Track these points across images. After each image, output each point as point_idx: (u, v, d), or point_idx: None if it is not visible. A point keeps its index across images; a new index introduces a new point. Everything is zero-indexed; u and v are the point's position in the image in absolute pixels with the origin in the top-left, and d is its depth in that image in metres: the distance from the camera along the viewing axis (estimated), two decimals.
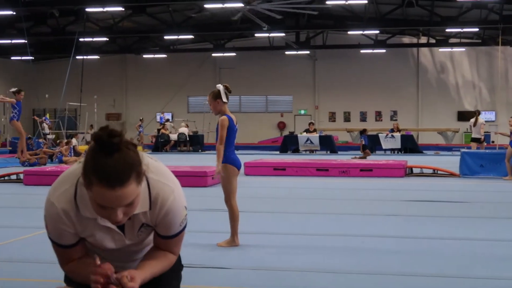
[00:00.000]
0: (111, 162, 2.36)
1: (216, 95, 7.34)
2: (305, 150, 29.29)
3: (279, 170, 17.58)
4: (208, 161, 22.83)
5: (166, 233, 2.79)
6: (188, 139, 32.44)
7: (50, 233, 2.70)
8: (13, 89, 16.81)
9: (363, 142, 24.56)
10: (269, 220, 9.67)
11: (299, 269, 6.23)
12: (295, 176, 17.08)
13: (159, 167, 2.73)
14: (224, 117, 7.40)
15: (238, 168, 7.58)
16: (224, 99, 7.35)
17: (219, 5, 25.78)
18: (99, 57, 40.14)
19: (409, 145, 29.42)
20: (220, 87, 7.38)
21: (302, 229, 8.68)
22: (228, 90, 7.42)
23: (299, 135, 30.49)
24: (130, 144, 2.43)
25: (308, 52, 39.06)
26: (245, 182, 15.74)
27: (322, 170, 17.25)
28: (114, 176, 2.35)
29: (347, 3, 27.45)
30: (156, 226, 2.76)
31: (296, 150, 29.43)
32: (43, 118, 31.14)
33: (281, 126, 41.74)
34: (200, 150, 32.51)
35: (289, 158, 23.31)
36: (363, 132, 25.44)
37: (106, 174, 2.35)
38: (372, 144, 29.07)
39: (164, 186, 2.69)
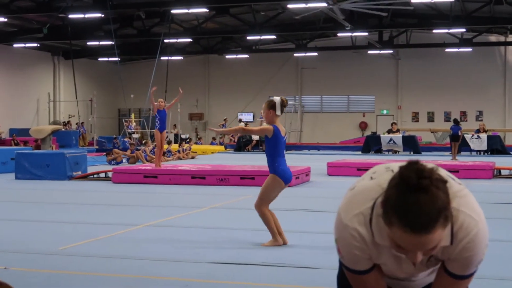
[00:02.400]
0: (418, 207, 2.11)
1: (272, 106, 7.44)
2: (388, 150, 28.97)
3: (363, 170, 17.32)
4: (290, 161, 22.87)
5: (459, 272, 2.44)
6: None
7: (344, 258, 2.47)
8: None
9: (452, 132, 24.19)
10: None
11: None
12: None
13: (463, 194, 2.38)
14: (270, 126, 7.43)
15: (286, 182, 7.46)
16: (278, 112, 7.43)
17: (302, 5, 25.77)
18: (182, 57, 40.80)
19: (496, 146, 28.65)
20: (277, 99, 7.46)
21: None
22: (284, 105, 7.48)
23: (381, 135, 30.16)
24: (440, 182, 2.16)
25: (391, 51, 38.60)
26: (328, 182, 15.71)
27: None
28: (420, 222, 2.13)
29: (432, 1, 26.96)
30: (448, 261, 2.43)
31: (378, 151, 29.13)
32: (127, 126, 31.94)
33: (363, 126, 41.37)
34: None
35: (372, 158, 23.09)
36: (456, 122, 24.85)
37: (411, 219, 2.12)
38: None
39: (468, 218, 2.34)
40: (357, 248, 2.38)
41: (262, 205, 7.46)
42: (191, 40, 36.62)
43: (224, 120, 37.63)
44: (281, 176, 7.40)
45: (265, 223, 7.48)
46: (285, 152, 7.60)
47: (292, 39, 38.64)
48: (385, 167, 2.50)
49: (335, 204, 10.89)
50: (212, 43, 39.46)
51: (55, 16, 28.71)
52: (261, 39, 36.82)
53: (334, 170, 17.60)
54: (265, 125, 7.49)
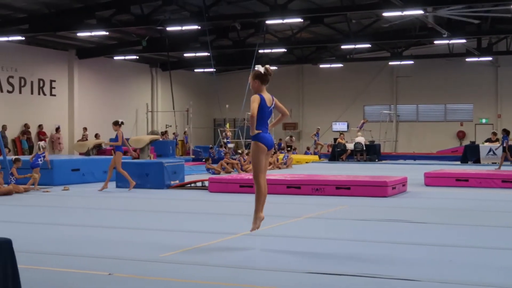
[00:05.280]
0: None
1: (256, 76, 7.66)
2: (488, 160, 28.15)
3: (462, 181, 16.99)
4: (386, 171, 22.60)
5: None
6: (364, 148, 32.28)
7: None
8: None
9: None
10: (454, 232, 9.38)
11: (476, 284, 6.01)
12: (479, 187, 16.45)
13: None
14: (255, 95, 7.62)
15: (268, 146, 7.70)
16: (263, 82, 7.65)
17: (398, 13, 25.42)
18: (276, 67, 41.04)
19: None
20: (261, 68, 7.66)
21: (490, 243, 8.34)
22: (268, 73, 7.64)
23: (480, 145, 29.35)
24: None
25: (490, 58, 37.52)
26: (426, 193, 15.42)
27: (509, 182, 16.45)
28: None
29: None
30: None
31: (477, 161, 28.34)
32: (225, 137, 32.35)
33: (461, 135, 40.37)
34: (376, 160, 32.21)
35: (471, 168, 22.49)
36: (506, 132, 23.69)
37: None
38: None
39: None
40: None
41: (258, 175, 7.69)
42: (285, 50, 36.80)
43: (317, 129, 37.60)
44: (261, 141, 7.63)
45: (256, 196, 7.69)
46: (269, 121, 7.83)
47: (387, 48, 38.18)
48: None
49: (433, 215, 10.76)
50: (306, 53, 39.51)
51: (154, 29, 29.46)
52: (356, 48, 36.60)
53: (432, 180, 17.25)
54: (252, 97, 7.59)
